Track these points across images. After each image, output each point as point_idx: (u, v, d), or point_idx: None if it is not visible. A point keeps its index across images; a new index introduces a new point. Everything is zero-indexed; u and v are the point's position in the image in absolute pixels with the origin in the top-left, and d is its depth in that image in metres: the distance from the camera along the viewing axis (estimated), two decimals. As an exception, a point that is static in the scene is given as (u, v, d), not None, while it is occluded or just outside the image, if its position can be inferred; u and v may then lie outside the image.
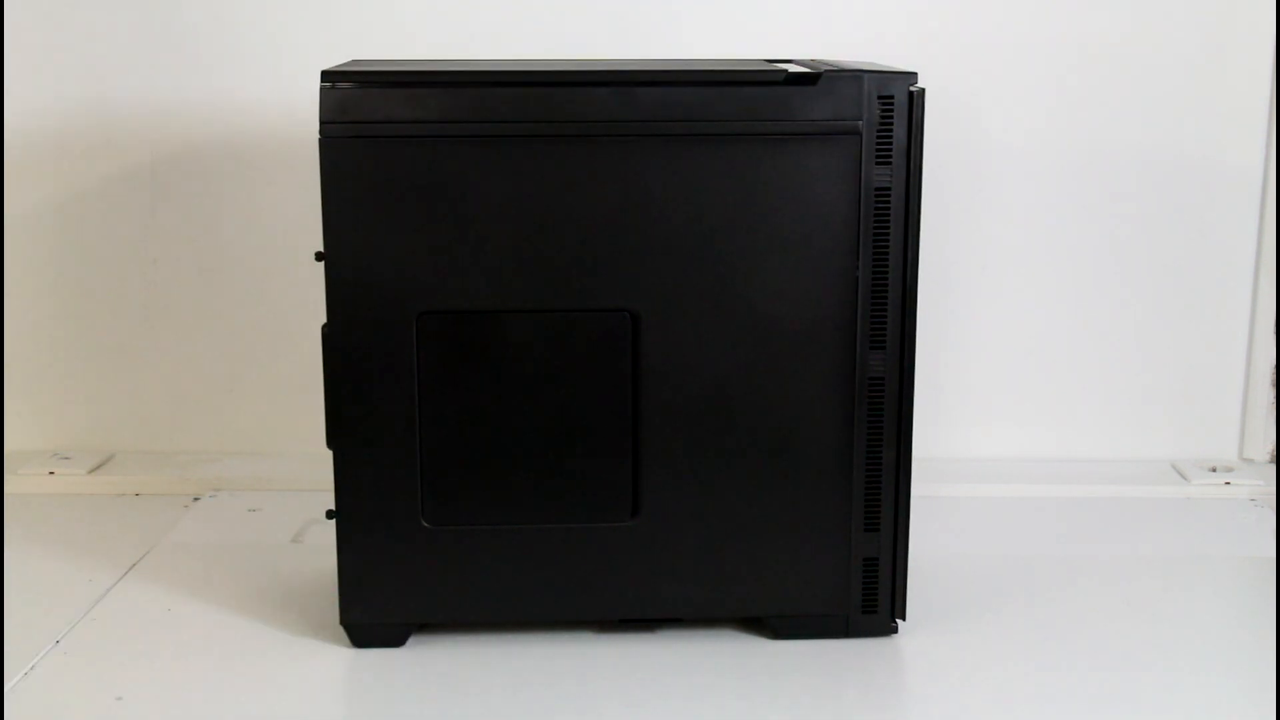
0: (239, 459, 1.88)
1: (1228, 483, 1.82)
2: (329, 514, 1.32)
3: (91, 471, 1.82)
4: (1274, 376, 1.89)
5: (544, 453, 1.32)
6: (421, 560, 1.33)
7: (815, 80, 1.26)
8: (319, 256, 1.28)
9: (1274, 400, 1.90)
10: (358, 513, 1.32)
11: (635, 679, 1.30)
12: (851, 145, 1.27)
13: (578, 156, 1.26)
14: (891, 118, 1.27)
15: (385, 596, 1.34)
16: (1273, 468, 1.88)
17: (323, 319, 1.28)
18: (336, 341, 1.28)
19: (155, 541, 1.61)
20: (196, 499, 1.77)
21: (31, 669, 1.31)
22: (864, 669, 1.33)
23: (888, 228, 1.29)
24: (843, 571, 1.36)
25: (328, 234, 1.26)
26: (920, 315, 1.33)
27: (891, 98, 1.27)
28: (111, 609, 1.44)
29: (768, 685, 1.30)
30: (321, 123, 1.24)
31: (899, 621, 1.38)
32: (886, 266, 1.30)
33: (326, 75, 1.26)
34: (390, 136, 1.25)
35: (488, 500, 1.32)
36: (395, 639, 1.36)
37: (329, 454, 1.31)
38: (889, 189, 1.28)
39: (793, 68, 1.32)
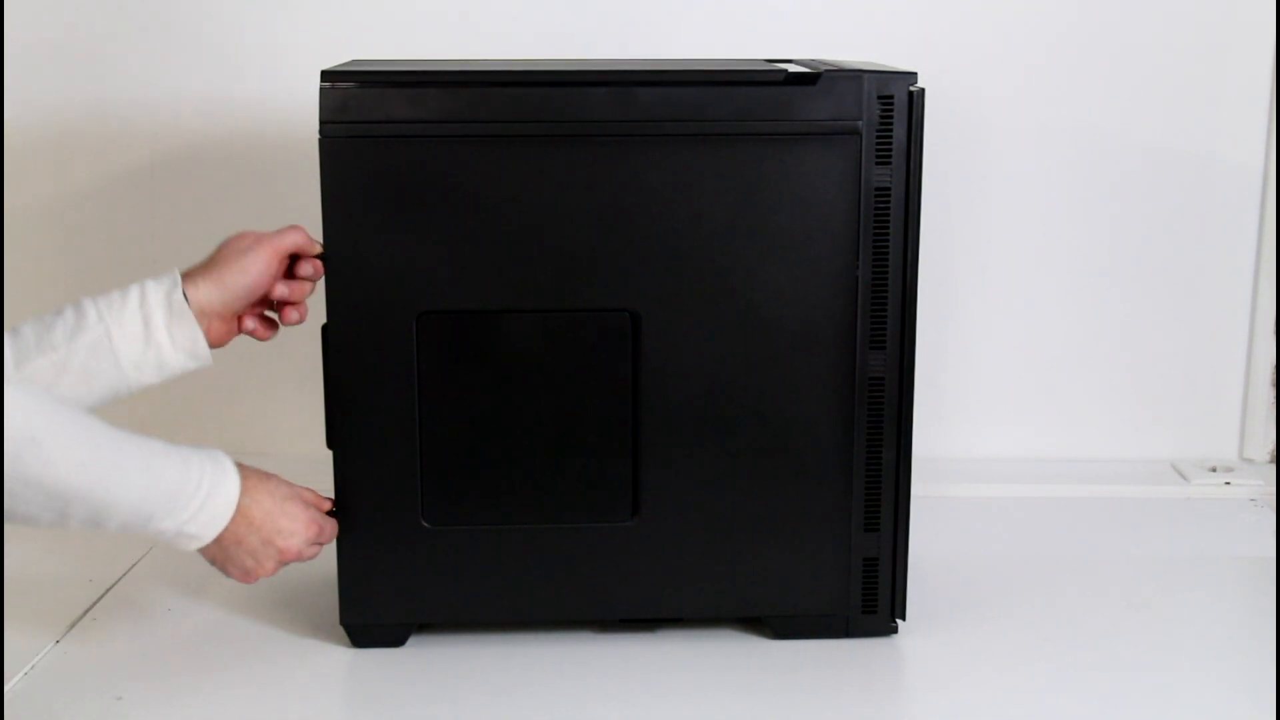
0: (239, 459, 1.87)
1: (1228, 483, 1.82)
2: (329, 514, 1.32)
3: (91, 471, 1.81)
4: (1274, 376, 1.89)
5: (544, 453, 1.31)
6: (421, 560, 1.33)
7: (815, 80, 1.26)
8: (319, 256, 1.28)
9: (1274, 400, 1.90)
10: (358, 513, 1.32)
11: (635, 679, 1.30)
12: (851, 145, 1.27)
13: (578, 156, 1.26)
14: (891, 118, 1.27)
15: (385, 596, 1.34)
16: (1273, 468, 1.88)
17: (323, 319, 1.28)
18: (336, 341, 1.28)
19: (155, 541, 1.61)
20: (196, 499, 1.77)
21: (31, 669, 1.31)
22: (864, 669, 1.33)
23: (888, 228, 1.29)
24: (843, 571, 1.36)
25: (328, 234, 1.26)
26: (920, 315, 1.33)
27: (891, 98, 1.27)
28: (111, 609, 1.44)
29: (768, 685, 1.30)
30: (321, 123, 1.24)
31: (899, 621, 1.38)
32: (886, 266, 1.30)
33: (326, 75, 1.25)
34: (390, 136, 1.25)
35: (488, 500, 1.32)
36: (395, 639, 1.36)
37: (329, 454, 1.31)
38: (889, 189, 1.28)
39: (793, 68, 1.32)
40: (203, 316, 1.25)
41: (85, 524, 1.10)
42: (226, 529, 1.19)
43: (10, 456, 1.02)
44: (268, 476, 1.25)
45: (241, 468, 1.22)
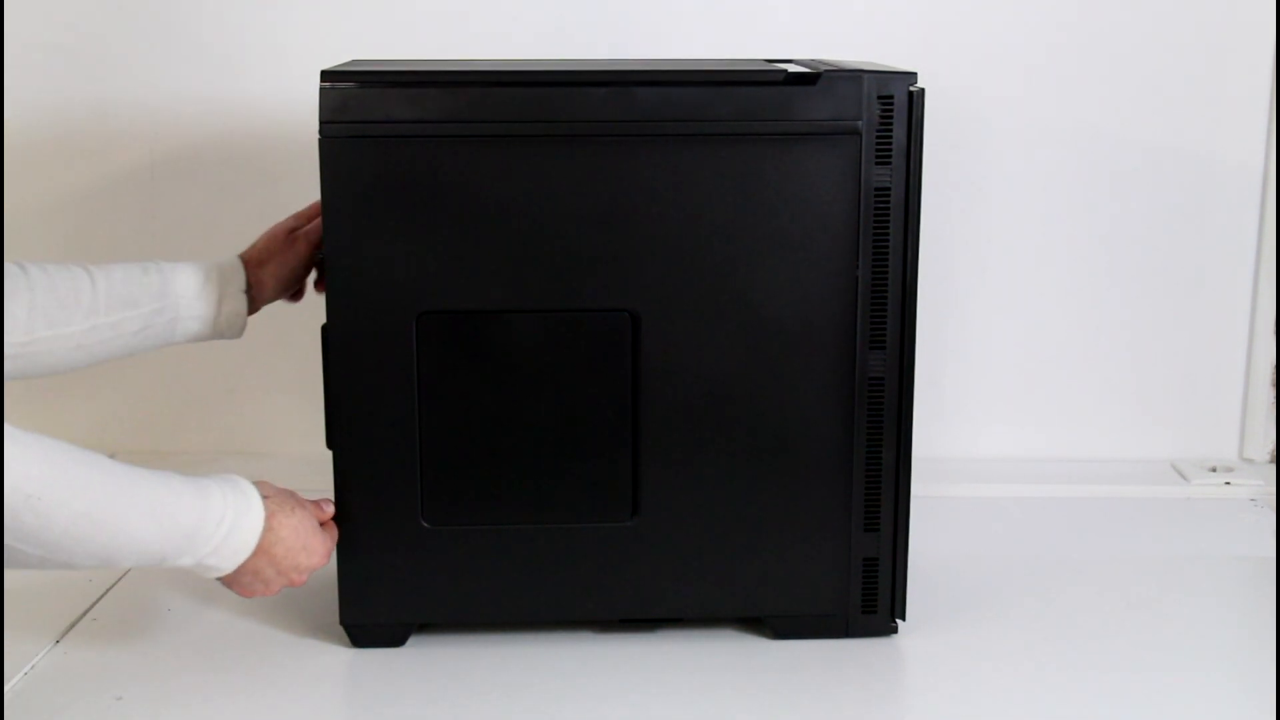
0: (239, 459, 1.88)
1: (1228, 483, 1.82)
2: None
3: (91, 471, 1.81)
4: (1274, 376, 1.89)
5: (544, 453, 1.31)
6: (421, 560, 1.33)
7: (815, 80, 1.26)
8: (318, 256, 1.28)
9: (1274, 400, 1.90)
10: (358, 513, 1.32)
11: (635, 679, 1.30)
12: (851, 145, 1.27)
13: (578, 156, 1.26)
14: (891, 118, 1.27)
15: (385, 596, 1.34)
16: (1273, 468, 1.88)
17: (323, 319, 1.28)
18: (336, 341, 1.28)
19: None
20: (196, 499, 1.76)
21: (31, 669, 1.31)
22: (864, 669, 1.33)
23: (888, 228, 1.29)
24: (843, 571, 1.36)
25: (328, 234, 1.26)
26: (920, 315, 1.33)
27: (891, 98, 1.27)
28: (111, 609, 1.44)
29: (768, 685, 1.30)
30: (321, 123, 1.24)
31: (899, 621, 1.38)
32: (886, 266, 1.30)
33: (326, 75, 1.25)
34: (390, 136, 1.25)
35: (488, 500, 1.32)
36: (395, 639, 1.36)
37: (329, 454, 1.31)
38: (889, 189, 1.28)
39: (793, 68, 1.32)
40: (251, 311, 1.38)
41: (94, 567, 1.12)
42: (247, 561, 1.20)
43: (6, 514, 1.03)
44: (293, 508, 1.24)
45: (267, 498, 1.22)
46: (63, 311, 1.25)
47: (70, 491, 1.06)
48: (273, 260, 1.37)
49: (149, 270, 1.31)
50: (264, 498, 1.21)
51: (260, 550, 1.20)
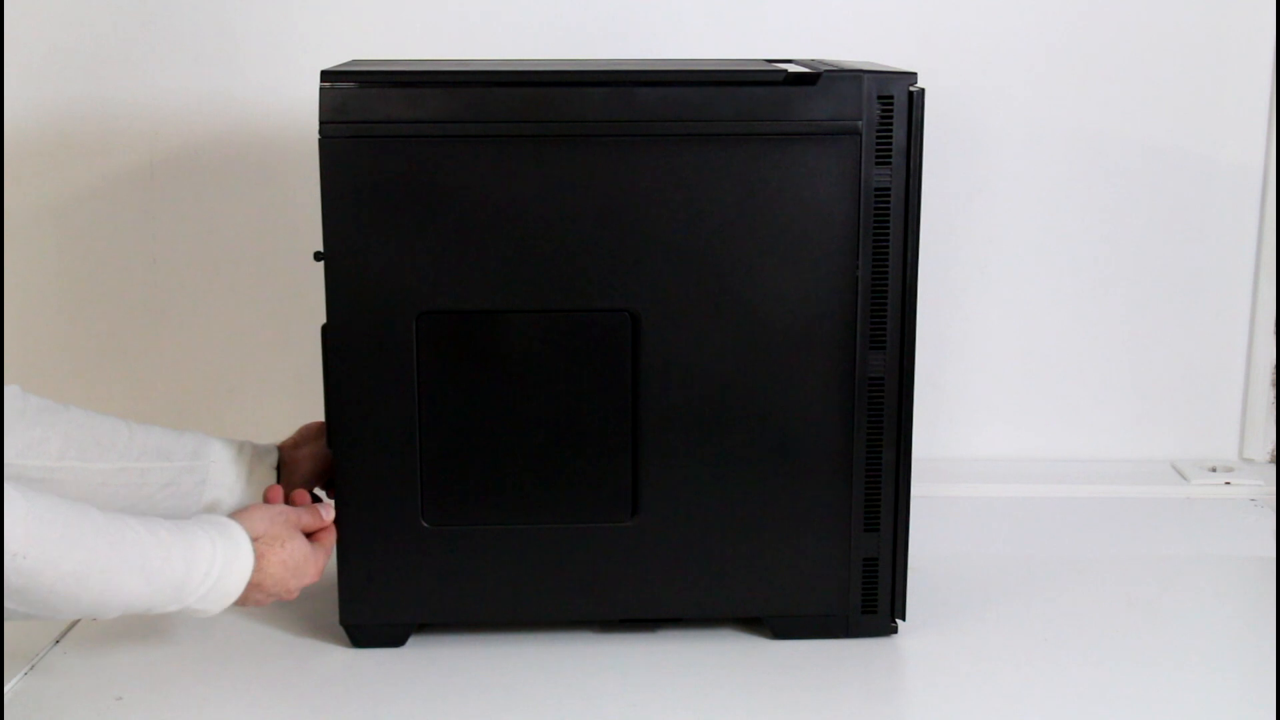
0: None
1: (1228, 483, 1.82)
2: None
3: (91, 471, 1.81)
4: (1274, 376, 1.89)
5: (544, 453, 1.31)
6: (421, 560, 1.33)
7: (815, 80, 1.26)
8: (318, 256, 1.28)
9: (1274, 400, 1.90)
10: (358, 513, 1.32)
11: (635, 679, 1.30)
12: (851, 145, 1.27)
13: (578, 156, 1.26)
14: (891, 118, 1.27)
15: (385, 596, 1.34)
16: (1273, 468, 1.88)
17: (323, 319, 1.28)
18: (336, 341, 1.28)
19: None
20: (196, 499, 1.77)
21: (31, 669, 1.31)
22: (864, 669, 1.33)
23: (888, 228, 1.29)
24: (843, 571, 1.36)
25: (328, 234, 1.26)
26: (920, 315, 1.33)
27: (891, 98, 1.27)
28: (111, 609, 1.44)
29: (768, 685, 1.30)
30: (321, 123, 1.24)
31: (899, 621, 1.38)
32: (886, 266, 1.30)
33: (326, 75, 1.25)
34: (390, 136, 1.25)
35: (488, 500, 1.32)
36: (395, 639, 1.36)
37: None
38: (889, 189, 1.28)
39: (793, 68, 1.32)
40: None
41: (82, 616, 1.14)
42: (237, 598, 1.21)
43: None
44: (284, 541, 1.24)
45: (257, 539, 1.22)
46: (97, 448, 1.27)
47: (58, 551, 1.06)
48: (307, 444, 1.41)
49: (185, 434, 1.34)
50: (255, 539, 1.21)
51: (251, 585, 1.21)
